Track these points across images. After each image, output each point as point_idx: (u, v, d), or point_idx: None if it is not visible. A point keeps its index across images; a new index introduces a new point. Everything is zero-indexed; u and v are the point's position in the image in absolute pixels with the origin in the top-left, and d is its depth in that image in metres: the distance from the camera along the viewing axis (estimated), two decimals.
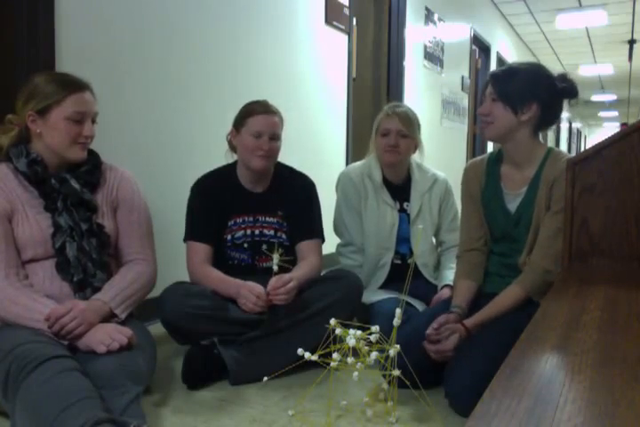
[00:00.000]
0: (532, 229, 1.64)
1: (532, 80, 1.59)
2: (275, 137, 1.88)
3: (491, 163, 1.76)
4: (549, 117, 1.64)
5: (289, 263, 1.83)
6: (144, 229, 1.66)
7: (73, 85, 1.49)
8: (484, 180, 1.75)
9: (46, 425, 1.11)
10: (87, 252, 1.50)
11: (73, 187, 1.51)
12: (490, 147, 6.94)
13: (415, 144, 2.20)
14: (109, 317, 1.46)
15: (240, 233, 1.93)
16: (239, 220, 1.93)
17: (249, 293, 1.67)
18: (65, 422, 1.10)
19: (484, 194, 1.75)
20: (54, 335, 1.35)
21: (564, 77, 1.62)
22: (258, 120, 1.86)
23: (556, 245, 1.54)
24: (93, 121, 1.55)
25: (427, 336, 1.53)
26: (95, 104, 1.55)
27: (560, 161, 1.60)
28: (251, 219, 1.94)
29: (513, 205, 1.69)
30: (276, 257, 1.76)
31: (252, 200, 1.94)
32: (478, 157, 1.85)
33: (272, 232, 1.94)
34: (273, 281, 1.69)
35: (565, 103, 1.65)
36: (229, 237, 1.92)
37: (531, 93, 1.58)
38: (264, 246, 1.92)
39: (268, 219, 1.95)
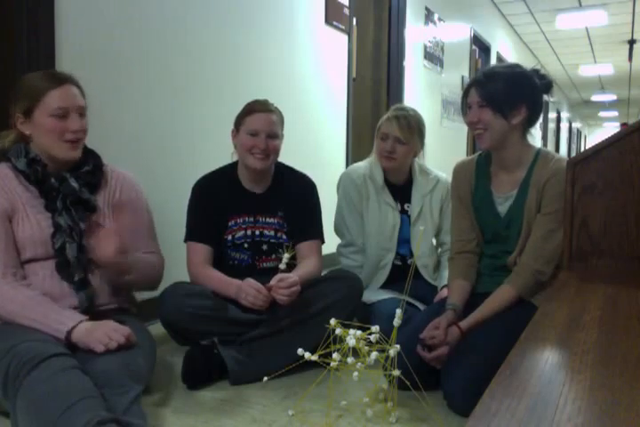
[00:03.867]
0: (523, 230, 1.63)
1: (515, 82, 1.57)
2: (273, 135, 1.86)
3: (480, 164, 1.74)
4: (535, 117, 1.64)
5: (291, 265, 1.85)
6: (148, 230, 1.68)
7: (52, 81, 1.46)
8: (474, 182, 1.73)
9: (49, 424, 1.11)
10: (87, 251, 1.49)
11: (72, 186, 1.50)
12: None
13: (415, 151, 2.17)
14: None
15: (240, 233, 1.92)
16: (239, 220, 1.93)
17: (249, 287, 1.67)
18: (68, 422, 1.10)
19: (474, 196, 1.74)
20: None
21: (538, 73, 1.62)
22: (255, 118, 1.86)
23: (548, 246, 1.55)
24: (82, 115, 1.50)
25: (421, 340, 1.53)
26: (80, 97, 1.50)
27: (550, 162, 1.60)
28: (251, 219, 1.93)
29: (503, 207, 1.68)
30: (286, 256, 1.76)
31: (253, 200, 1.94)
32: (467, 158, 1.82)
33: (272, 233, 1.94)
34: (278, 277, 1.67)
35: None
36: (230, 237, 1.92)
37: (518, 96, 1.57)
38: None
39: (268, 219, 1.94)
